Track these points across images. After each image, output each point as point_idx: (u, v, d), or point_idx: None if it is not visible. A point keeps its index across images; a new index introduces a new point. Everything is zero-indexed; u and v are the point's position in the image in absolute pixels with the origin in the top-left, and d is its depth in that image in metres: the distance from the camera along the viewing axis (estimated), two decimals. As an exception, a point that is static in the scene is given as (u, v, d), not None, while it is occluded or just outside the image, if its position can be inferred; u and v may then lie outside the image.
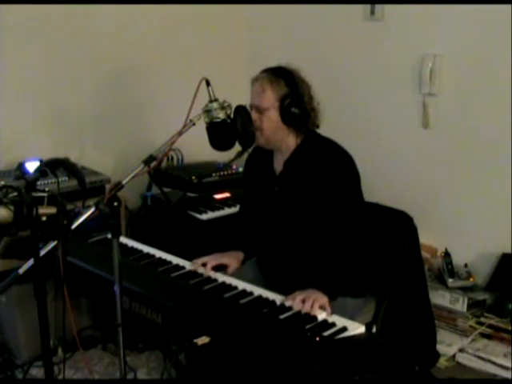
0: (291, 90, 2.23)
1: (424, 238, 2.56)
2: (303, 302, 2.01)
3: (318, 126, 2.33)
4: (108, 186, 3.02)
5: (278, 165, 2.36)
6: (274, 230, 2.37)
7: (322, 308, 2.01)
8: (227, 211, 3.29)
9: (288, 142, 2.31)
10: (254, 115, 2.26)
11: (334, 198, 2.21)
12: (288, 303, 2.05)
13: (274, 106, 2.23)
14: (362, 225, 2.25)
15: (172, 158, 3.66)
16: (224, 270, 2.34)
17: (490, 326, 3.01)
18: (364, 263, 2.23)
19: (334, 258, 2.21)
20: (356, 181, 2.28)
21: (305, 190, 2.26)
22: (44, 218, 1.80)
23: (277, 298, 2.10)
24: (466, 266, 3.24)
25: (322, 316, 1.98)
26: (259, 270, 2.46)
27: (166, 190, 3.40)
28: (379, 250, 2.31)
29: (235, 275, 2.32)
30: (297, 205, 2.28)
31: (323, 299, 2.04)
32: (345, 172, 2.25)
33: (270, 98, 2.23)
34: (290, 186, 2.31)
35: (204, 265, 2.31)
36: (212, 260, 2.30)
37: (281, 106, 2.23)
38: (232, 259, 2.34)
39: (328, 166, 2.23)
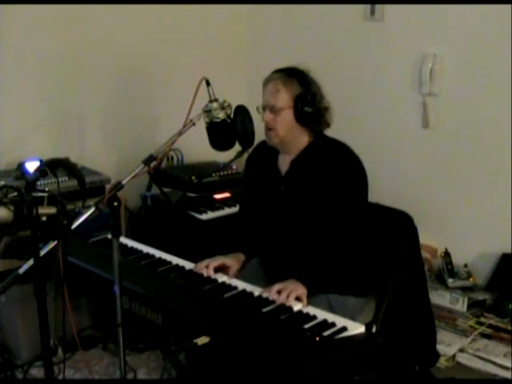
0: (305, 90, 2.23)
1: (424, 238, 2.55)
2: (280, 293, 2.04)
3: (329, 125, 2.34)
4: (108, 186, 3.02)
5: (284, 164, 2.36)
6: (278, 230, 2.36)
7: (298, 299, 2.03)
8: (227, 211, 3.29)
9: (300, 141, 2.31)
10: (268, 116, 2.26)
11: (340, 200, 2.22)
12: (265, 294, 2.07)
13: (289, 105, 2.23)
14: (363, 227, 2.26)
15: (172, 158, 3.66)
16: (225, 270, 2.32)
17: (490, 326, 3.01)
18: (365, 263, 2.23)
19: (336, 257, 2.21)
20: (363, 184, 2.29)
21: (312, 191, 2.26)
22: (44, 218, 1.80)
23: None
24: (465, 266, 3.25)
25: (297, 307, 2.00)
26: (263, 271, 2.46)
27: (166, 190, 3.40)
28: (379, 250, 2.31)
29: (238, 276, 2.32)
30: (303, 205, 2.28)
31: (301, 290, 2.05)
32: (353, 175, 2.25)
33: (285, 98, 2.23)
34: (297, 186, 2.31)
35: (207, 267, 2.31)
36: (214, 262, 2.30)
37: (295, 106, 2.23)
38: (234, 261, 2.34)
39: (337, 168, 2.24)
